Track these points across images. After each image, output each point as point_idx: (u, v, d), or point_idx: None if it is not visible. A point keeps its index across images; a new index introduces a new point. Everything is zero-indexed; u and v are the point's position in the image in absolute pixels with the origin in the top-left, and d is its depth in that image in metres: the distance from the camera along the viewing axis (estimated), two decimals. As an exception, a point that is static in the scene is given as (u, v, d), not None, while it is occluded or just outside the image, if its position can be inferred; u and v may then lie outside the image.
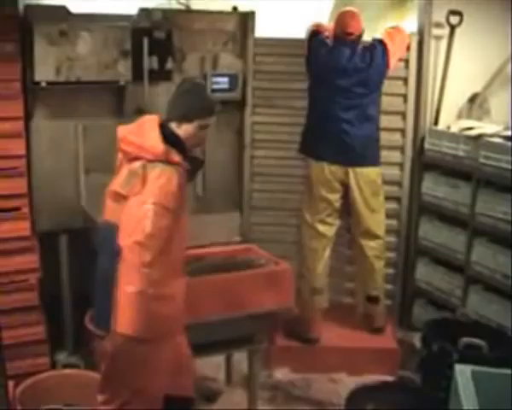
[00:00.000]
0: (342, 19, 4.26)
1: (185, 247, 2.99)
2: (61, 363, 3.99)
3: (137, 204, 2.71)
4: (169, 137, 2.81)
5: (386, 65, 4.25)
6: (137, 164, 2.78)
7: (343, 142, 4.21)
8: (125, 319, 2.70)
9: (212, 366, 4.17)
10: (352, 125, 4.20)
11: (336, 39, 4.24)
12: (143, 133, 2.83)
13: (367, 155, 4.30)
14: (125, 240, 2.70)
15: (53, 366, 4.08)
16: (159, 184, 2.72)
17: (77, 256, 4.35)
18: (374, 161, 4.36)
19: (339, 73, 4.18)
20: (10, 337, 3.65)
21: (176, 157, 2.79)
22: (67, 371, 3.76)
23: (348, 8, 4.31)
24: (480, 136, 4.22)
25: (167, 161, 2.76)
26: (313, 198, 4.33)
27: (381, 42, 4.25)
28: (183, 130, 2.87)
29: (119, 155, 2.93)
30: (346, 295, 4.82)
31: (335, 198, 4.30)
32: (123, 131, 2.90)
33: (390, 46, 4.24)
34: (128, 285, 2.67)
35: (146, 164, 2.76)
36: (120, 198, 2.83)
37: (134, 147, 2.83)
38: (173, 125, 2.87)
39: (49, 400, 3.54)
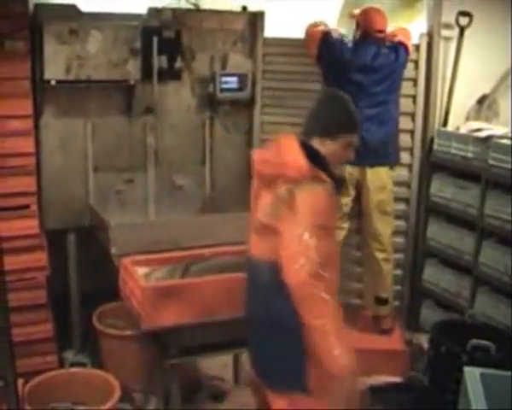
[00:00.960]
0: (370, 16, 4.30)
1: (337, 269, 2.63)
2: (69, 361, 4.00)
3: (295, 236, 2.44)
4: (312, 155, 2.54)
5: (405, 64, 4.33)
6: (283, 188, 2.50)
7: (365, 141, 4.05)
8: (332, 358, 2.39)
9: (219, 365, 4.18)
10: (374, 123, 4.21)
11: (362, 37, 4.28)
12: (283, 152, 2.57)
13: (389, 152, 4.34)
14: (293, 278, 2.42)
15: (61, 364, 4.08)
16: (312, 205, 2.46)
17: (85, 254, 4.37)
18: (395, 158, 4.41)
19: (364, 71, 4.20)
20: (19, 335, 3.63)
21: (323, 175, 2.51)
22: (75, 369, 3.77)
23: (373, 6, 4.35)
24: (488, 137, 4.20)
25: (314, 179, 2.50)
26: None
27: (401, 42, 4.30)
28: (326, 147, 2.60)
29: (255, 182, 2.68)
30: (353, 297, 4.81)
31: (346, 202, 4.29)
32: (259, 153, 2.71)
33: (409, 48, 4.32)
34: (316, 320, 2.39)
35: (292, 187, 2.48)
36: (266, 229, 2.58)
37: (274, 167, 2.57)
38: (315, 142, 2.61)
39: (57, 398, 3.55)
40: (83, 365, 3.84)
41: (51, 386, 3.59)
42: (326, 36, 4.28)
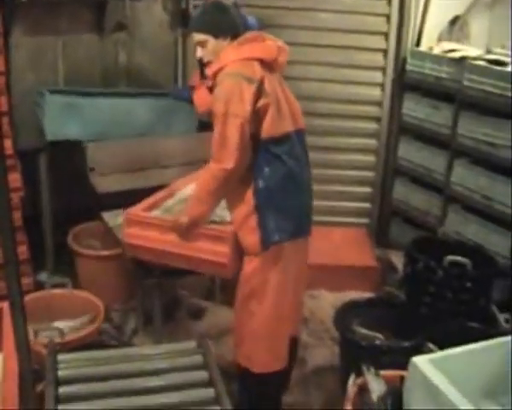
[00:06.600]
0: None
1: None
2: (49, 283, 3.99)
3: None
4: None
5: None
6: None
7: None
8: None
9: (195, 283, 4.23)
10: None
11: None
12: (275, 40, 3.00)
13: None
14: None
15: (35, 285, 4.06)
16: None
17: (56, 175, 4.31)
18: None
19: None
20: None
21: None
22: (56, 290, 3.78)
23: None
24: (463, 58, 4.23)
25: None
26: None
27: None
28: None
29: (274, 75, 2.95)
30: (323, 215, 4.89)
31: None
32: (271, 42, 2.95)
33: None
34: None
35: None
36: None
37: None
38: None
39: (38, 319, 3.54)
40: (63, 286, 3.84)
41: (32, 308, 3.57)
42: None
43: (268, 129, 2.82)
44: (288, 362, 3.12)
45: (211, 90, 2.97)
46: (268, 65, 2.87)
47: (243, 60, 2.82)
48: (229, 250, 2.98)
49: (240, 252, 2.97)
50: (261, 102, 2.78)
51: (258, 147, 2.83)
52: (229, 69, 2.80)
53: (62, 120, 3.87)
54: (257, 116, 2.78)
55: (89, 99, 3.99)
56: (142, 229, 3.16)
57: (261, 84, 2.78)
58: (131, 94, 4.21)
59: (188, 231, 2.97)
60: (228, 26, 2.91)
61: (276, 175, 2.86)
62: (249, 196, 2.87)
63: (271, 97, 2.81)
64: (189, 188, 3.45)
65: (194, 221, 2.93)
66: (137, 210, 3.25)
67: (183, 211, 3.10)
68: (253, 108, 2.75)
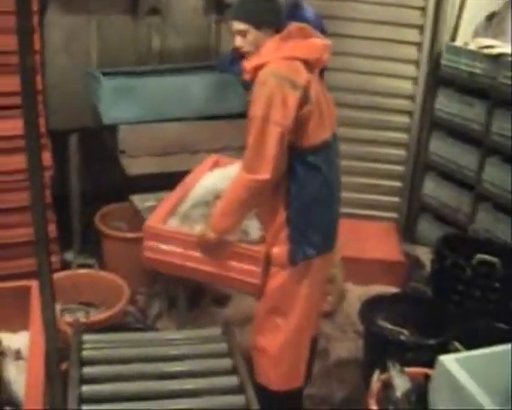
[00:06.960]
0: None
1: None
2: (74, 263, 4.01)
3: None
4: None
5: None
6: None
7: None
8: None
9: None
10: None
11: None
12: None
13: None
14: None
15: (62, 264, 4.09)
16: None
17: (85, 156, 4.33)
18: None
19: None
20: (23, 235, 3.65)
21: None
22: (82, 271, 3.80)
23: None
24: (500, 55, 4.16)
25: None
26: None
27: None
28: None
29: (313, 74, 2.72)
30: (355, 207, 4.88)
31: None
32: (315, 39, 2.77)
33: None
34: None
35: None
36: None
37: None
38: None
39: (63, 299, 3.56)
40: (89, 266, 3.86)
41: (59, 287, 3.59)
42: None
43: (309, 138, 2.65)
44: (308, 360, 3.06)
45: (245, 86, 2.84)
46: (311, 65, 2.67)
47: (287, 59, 2.62)
48: (261, 271, 2.85)
49: (268, 266, 2.87)
50: (305, 110, 2.60)
51: (294, 156, 2.66)
52: (273, 68, 2.59)
53: (119, 103, 3.79)
54: (298, 124, 2.60)
55: (143, 79, 3.96)
56: (164, 243, 2.99)
57: (306, 90, 2.59)
58: (184, 69, 4.19)
59: (215, 246, 2.83)
60: (272, 18, 2.69)
61: (311, 187, 2.71)
62: (282, 207, 2.73)
63: (315, 104, 2.64)
64: (199, 186, 3.31)
65: (221, 235, 2.78)
66: (157, 222, 3.07)
67: (199, 219, 3.05)
68: (296, 115, 2.57)
